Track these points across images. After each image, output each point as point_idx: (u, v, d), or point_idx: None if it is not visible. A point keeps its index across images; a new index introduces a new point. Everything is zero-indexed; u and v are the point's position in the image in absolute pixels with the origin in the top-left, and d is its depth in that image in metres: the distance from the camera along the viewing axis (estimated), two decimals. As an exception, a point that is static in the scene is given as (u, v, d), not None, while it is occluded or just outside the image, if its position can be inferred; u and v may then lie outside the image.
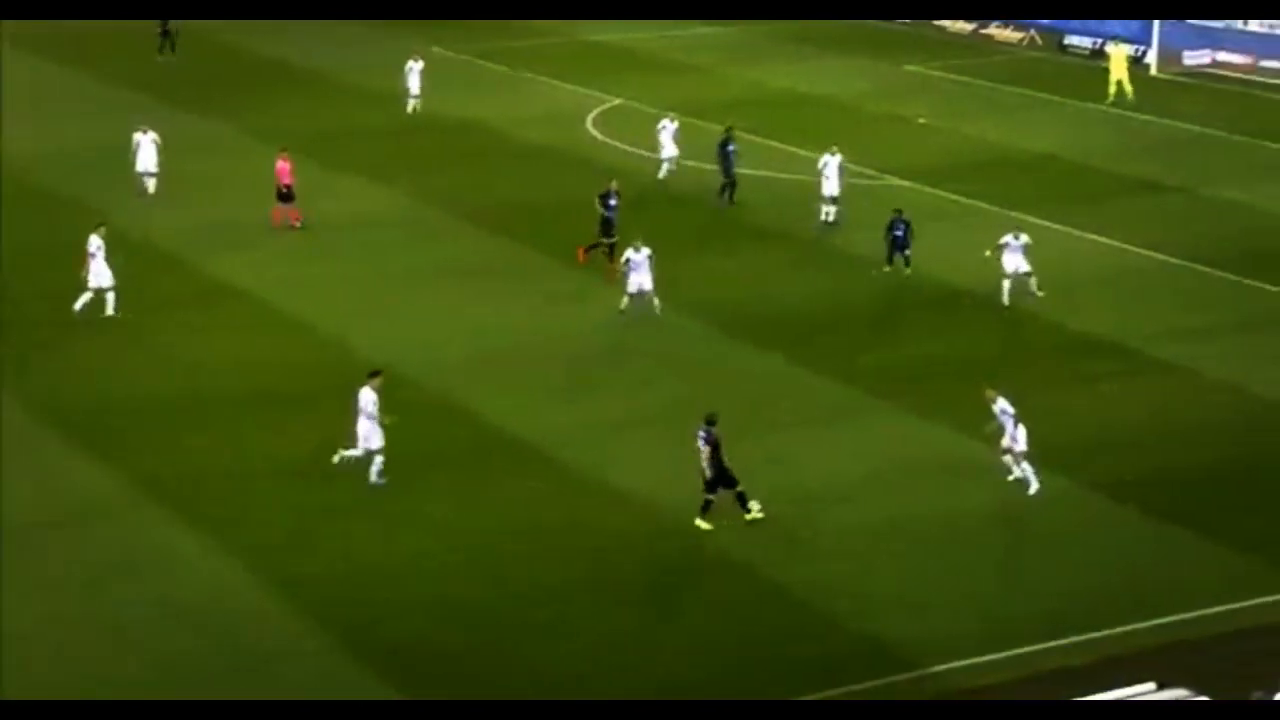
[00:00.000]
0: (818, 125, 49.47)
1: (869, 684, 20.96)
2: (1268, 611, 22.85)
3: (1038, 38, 63.15)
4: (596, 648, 22.05)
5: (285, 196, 39.27)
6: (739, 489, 25.13)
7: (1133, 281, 36.32)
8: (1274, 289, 35.63)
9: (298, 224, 39.33)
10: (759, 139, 48.10)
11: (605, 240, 36.41)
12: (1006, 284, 34.08)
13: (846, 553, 24.61)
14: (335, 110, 51.42)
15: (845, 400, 29.70)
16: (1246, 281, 36.02)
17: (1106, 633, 22.19)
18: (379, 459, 26.29)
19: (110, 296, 33.21)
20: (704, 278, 36.51)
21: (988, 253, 34.50)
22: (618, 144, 47.87)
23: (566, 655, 21.83)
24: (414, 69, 51.06)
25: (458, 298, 35.25)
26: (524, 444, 28.01)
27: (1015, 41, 63.67)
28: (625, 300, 33.34)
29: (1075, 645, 21.94)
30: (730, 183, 42.09)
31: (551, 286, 36.00)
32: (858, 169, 44.75)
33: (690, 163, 44.86)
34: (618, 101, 53.24)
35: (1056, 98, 54.03)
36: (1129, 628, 22.32)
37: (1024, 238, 34.41)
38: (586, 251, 36.74)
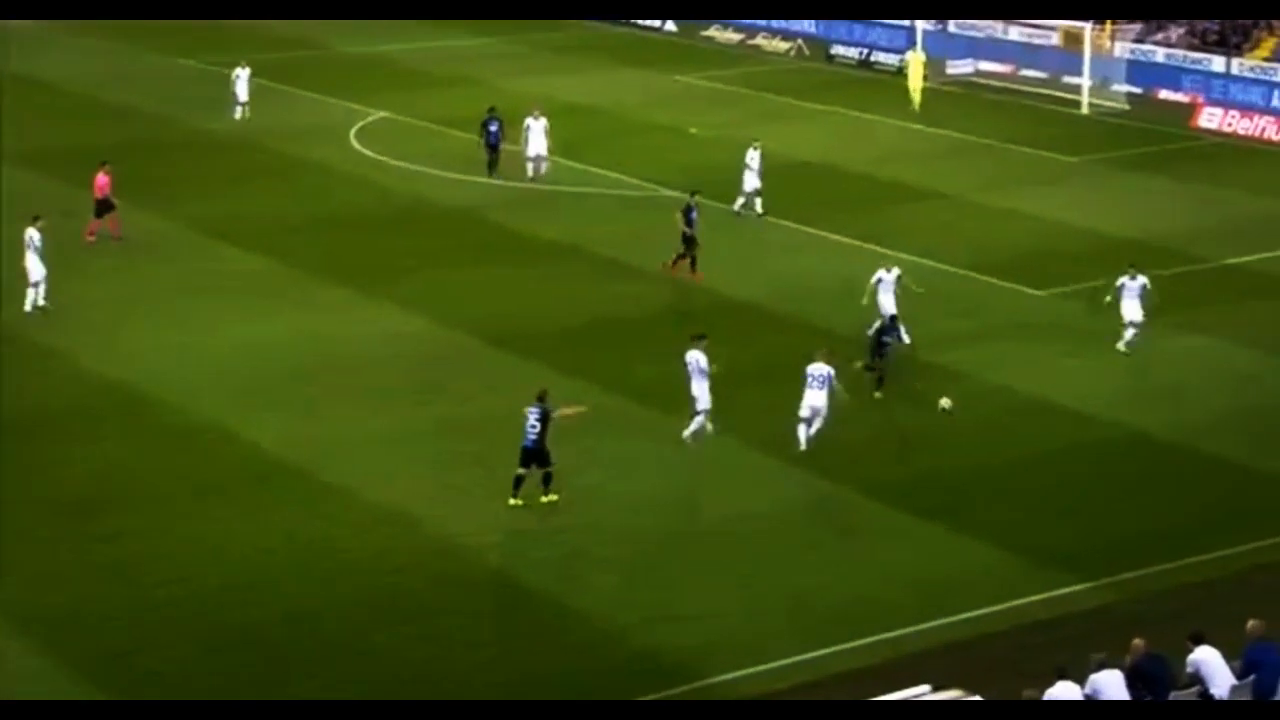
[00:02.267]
0: (587, 136, 49.89)
1: (652, 697, 21.16)
2: (1038, 609, 23.68)
3: (805, 48, 64.61)
4: (367, 669, 21.87)
5: (102, 209, 39.13)
6: (549, 470, 26.18)
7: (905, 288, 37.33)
8: (1039, 293, 36.97)
9: (116, 237, 39.13)
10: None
11: (687, 251, 36.94)
12: (1130, 332, 32.72)
13: (626, 564, 24.88)
14: (81, 127, 50.09)
15: (625, 412, 29.96)
16: (1012, 286, 37.31)
17: (884, 636, 22.79)
18: (699, 419, 27.88)
19: (41, 288, 34.09)
20: (478, 291, 36.55)
21: (1107, 299, 33.10)
22: (383, 158, 47.59)
23: (337, 678, 21.59)
24: (241, 76, 51.06)
25: (217, 317, 34.69)
26: (286, 464, 27.74)
27: (783, 51, 65.05)
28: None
29: (855, 649, 22.46)
30: (494, 158, 44.38)
31: (315, 302, 35.65)
32: (633, 180, 45.24)
33: (465, 177, 44.89)
34: (382, 115, 52.93)
35: (825, 107, 55.32)
36: (906, 630, 22.94)
37: (1141, 278, 32.79)
38: (673, 265, 36.97)
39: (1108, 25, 59.01)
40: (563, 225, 41.48)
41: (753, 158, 41.81)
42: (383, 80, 57.99)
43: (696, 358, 28.24)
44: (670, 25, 68.52)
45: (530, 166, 44.47)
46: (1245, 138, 52.16)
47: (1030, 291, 36.94)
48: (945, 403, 29.33)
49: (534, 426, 26.22)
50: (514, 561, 24.89)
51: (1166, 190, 45.86)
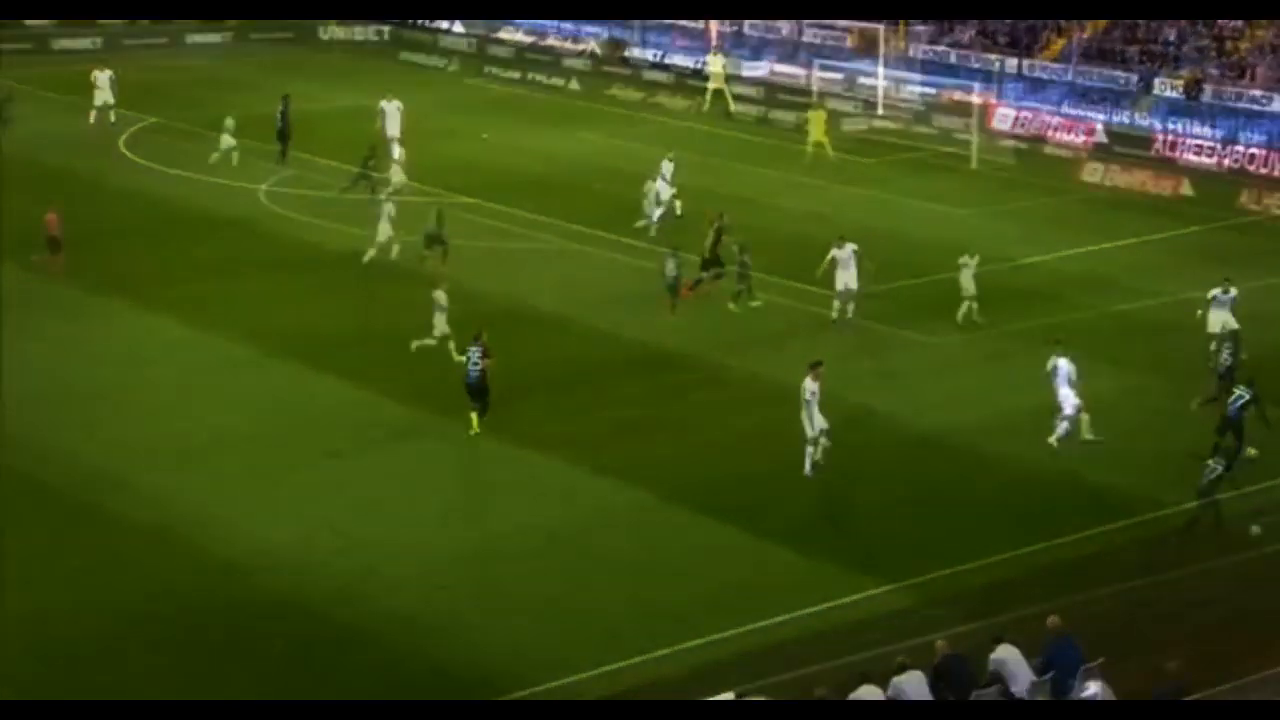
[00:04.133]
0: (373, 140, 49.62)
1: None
2: (840, 613, 24.03)
3: (598, 49, 64.97)
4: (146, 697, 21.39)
5: None
6: (483, 406, 28.93)
7: (706, 297, 37.76)
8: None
9: None
10: (320, 159, 47.89)
11: (706, 275, 36.80)
12: (1217, 346, 31.80)
13: (419, 580, 24.75)
14: None
15: (413, 421, 29.82)
16: (817, 290, 37.83)
17: (686, 645, 22.96)
18: (819, 446, 28.04)
19: None
20: (255, 300, 36.24)
21: (1199, 312, 32.97)
22: (154, 166, 46.68)
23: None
24: (102, 78, 50.92)
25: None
26: (51, 488, 27.17)
27: (579, 53, 65.34)
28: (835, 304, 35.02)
29: (659, 659, 22.63)
30: (283, 146, 47.15)
31: (83, 315, 34.90)
32: (420, 187, 45.09)
33: (241, 184, 44.27)
34: (153, 120, 51.94)
35: (623, 111, 55.64)
36: (708, 638, 23.14)
37: (1233, 291, 32.77)
38: (693, 288, 36.52)
39: (901, 26, 60.42)
40: (345, 233, 41.15)
41: (666, 169, 42.42)
42: (155, 85, 56.87)
43: (807, 386, 28.06)
44: (459, 27, 68.58)
45: (395, 149, 45.24)
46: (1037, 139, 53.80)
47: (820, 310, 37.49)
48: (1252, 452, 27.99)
49: (475, 365, 29.06)
50: (300, 582, 24.57)
51: (959, 192, 47.06)
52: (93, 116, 50.44)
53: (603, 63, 63.81)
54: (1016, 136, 53.95)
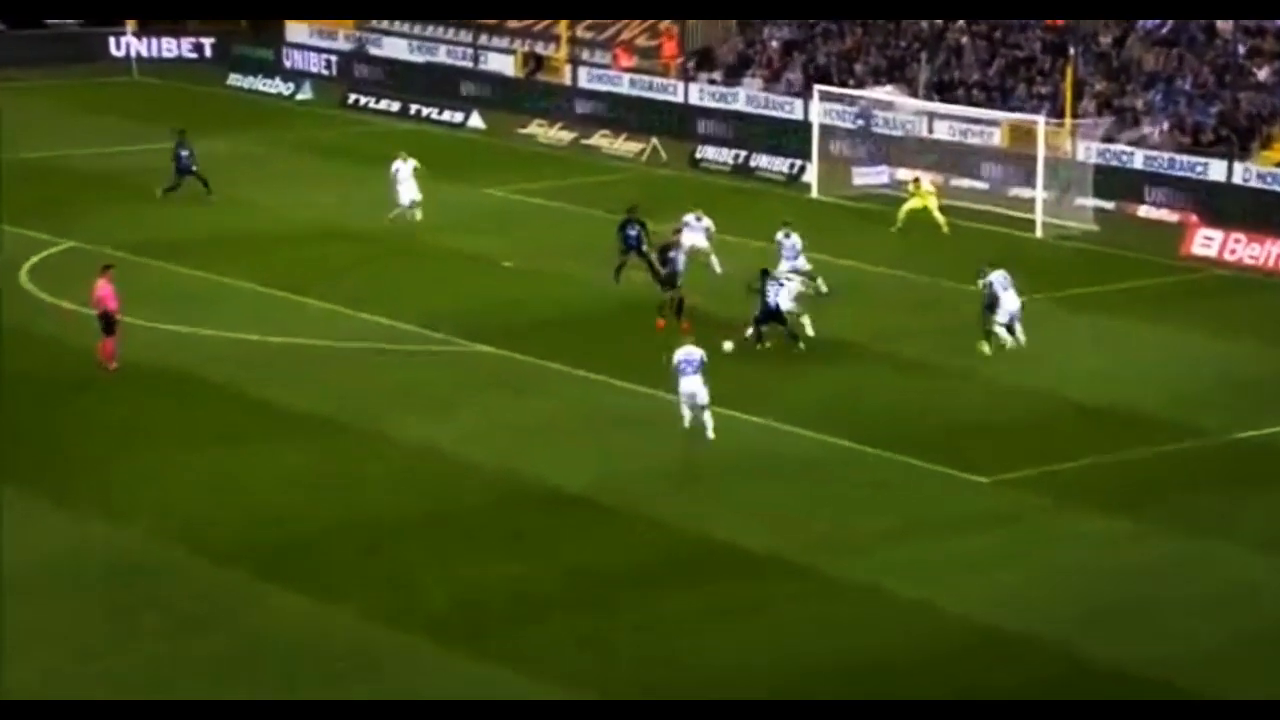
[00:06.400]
0: (360, 270, 49.88)
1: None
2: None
3: (662, 151, 65.33)
4: None
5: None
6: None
7: (796, 471, 37.30)
8: (979, 479, 37.04)
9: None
10: (270, 289, 47.99)
11: (668, 293, 45.49)
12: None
13: None
14: None
15: (413, 646, 29.54)
16: (942, 469, 37.34)
17: None
18: None
19: None
20: (193, 485, 36.38)
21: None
22: (60, 302, 46.85)
23: None
24: (404, 170, 55.36)
25: None
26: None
27: (632, 155, 65.72)
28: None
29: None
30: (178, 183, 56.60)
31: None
32: (419, 331, 45.04)
33: (177, 327, 44.42)
34: (69, 244, 52.43)
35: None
36: None
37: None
38: (680, 320, 44.05)
39: (1067, 121, 60.31)
40: (314, 390, 41.13)
41: (696, 223, 49.80)
42: (73, 197, 57.49)
43: None
44: (478, 121, 69.30)
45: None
46: (1252, 268, 53.23)
47: (967, 477, 37.06)
48: (727, 346, 40.88)
49: None
50: None
51: (1149, 339, 46.52)
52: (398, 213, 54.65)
53: (667, 167, 64.23)
54: (1223, 265, 53.33)
